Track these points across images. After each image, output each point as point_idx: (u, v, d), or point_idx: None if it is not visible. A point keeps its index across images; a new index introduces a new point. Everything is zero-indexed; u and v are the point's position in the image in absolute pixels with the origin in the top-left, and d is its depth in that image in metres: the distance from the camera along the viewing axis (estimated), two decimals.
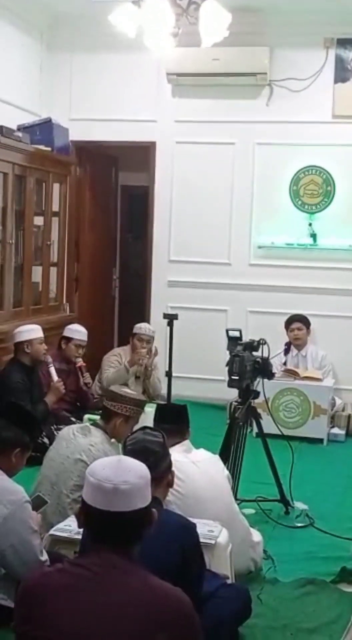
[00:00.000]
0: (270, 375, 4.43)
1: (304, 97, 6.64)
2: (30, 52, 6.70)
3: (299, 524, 4.26)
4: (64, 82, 7.02)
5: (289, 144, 6.70)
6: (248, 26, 6.19)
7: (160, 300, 7.02)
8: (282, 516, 4.33)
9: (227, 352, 4.40)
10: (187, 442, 3.48)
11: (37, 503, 3.12)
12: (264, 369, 4.37)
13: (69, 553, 2.88)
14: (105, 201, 7.98)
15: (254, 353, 4.36)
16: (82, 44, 6.97)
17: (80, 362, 5.84)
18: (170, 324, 5.37)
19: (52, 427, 5.12)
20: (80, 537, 2.58)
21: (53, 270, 6.68)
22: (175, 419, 3.47)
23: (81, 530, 2.20)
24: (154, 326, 6.34)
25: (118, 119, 6.94)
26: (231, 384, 4.32)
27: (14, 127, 6.03)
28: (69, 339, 5.87)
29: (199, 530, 2.65)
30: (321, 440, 5.92)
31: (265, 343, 4.38)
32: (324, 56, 6.60)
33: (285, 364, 6.34)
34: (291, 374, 6.14)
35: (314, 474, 5.13)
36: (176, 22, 4.62)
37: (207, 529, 3.05)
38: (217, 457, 3.64)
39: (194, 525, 2.63)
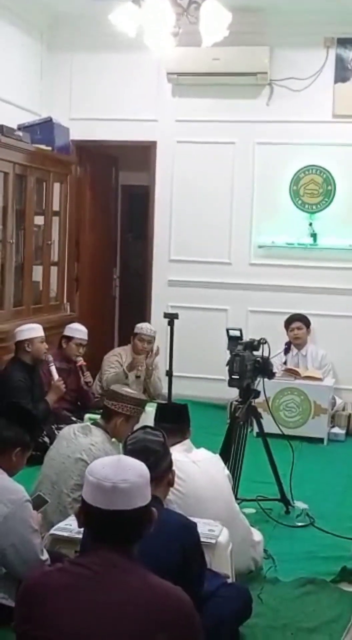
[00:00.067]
0: (270, 374, 4.43)
1: (304, 96, 6.64)
2: (30, 52, 6.70)
3: (300, 524, 4.26)
4: (65, 81, 7.02)
5: (289, 143, 6.69)
6: (248, 26, 6.19)
7: (160, 299, 7.02)
8: (282, 515, 4.33)
9: (228, 352, 4.40)
10: (187, 442, 3.48)
11: (38, 502, 3.12)
12: (264, 369, 4.37)
13: (69, 552, 2.88)
14: (106, 201, 7.98)
15: (255, 352, 4.36)
16: (83, 44, 6.97)
17: (80, 361, 5.84)
18: (170, 324, 5.36)
19: (53, 427, 5.12)
20: (80, 536, 2.58)
21: (53, 270, 6.68)
22: (175, 419, 3.47)
23: (82, 529, 2.20)
24: (154, 326, 6.34)
25: (118, 118, 6.93)
26: (232, 383, 4.32)
27: (15, 127, 6.03)
28: (69, 338, 5.88)
29: (199, 529, 2.65)
30: (321, 440, 5.92)
31: (265, 342, 4.39)
32: (325, 56, 6.60)
33: (285, 363, 6.34)
34: (292, 373, 6.15)
35: (315, 474, 5.13)
36: (176, 21, 4.62)
37: (207, 529, 3.05)
38: (217, 457, 3.63)
39: (194, 525, 2.63)
